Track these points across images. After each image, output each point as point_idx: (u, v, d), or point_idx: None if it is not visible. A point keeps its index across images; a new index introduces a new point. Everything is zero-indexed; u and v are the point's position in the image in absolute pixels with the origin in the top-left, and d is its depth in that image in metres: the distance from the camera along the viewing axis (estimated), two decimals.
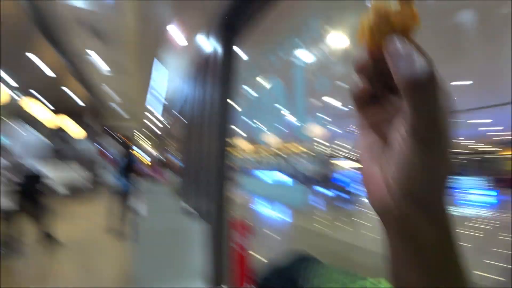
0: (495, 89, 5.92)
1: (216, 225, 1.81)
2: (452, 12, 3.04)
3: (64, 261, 2.96)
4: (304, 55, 1.08)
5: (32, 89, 6.55)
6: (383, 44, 0.20)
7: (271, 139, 1.60)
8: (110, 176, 4.02)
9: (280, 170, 7.53)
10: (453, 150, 0.18)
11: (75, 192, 6.86)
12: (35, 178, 3.06)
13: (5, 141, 2.97)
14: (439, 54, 4.31)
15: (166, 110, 8.13)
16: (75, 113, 8.27)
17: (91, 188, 7.70)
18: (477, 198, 8.51)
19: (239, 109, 1.83)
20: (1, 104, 3.62)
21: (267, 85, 1.37)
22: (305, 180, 7.16)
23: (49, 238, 3.14)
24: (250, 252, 0.79)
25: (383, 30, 0.20)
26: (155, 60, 3.69)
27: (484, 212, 6.62)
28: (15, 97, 7.42)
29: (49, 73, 5.45)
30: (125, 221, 3.79)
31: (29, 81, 6.11)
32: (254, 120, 1.45)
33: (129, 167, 3.94)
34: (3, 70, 5.40)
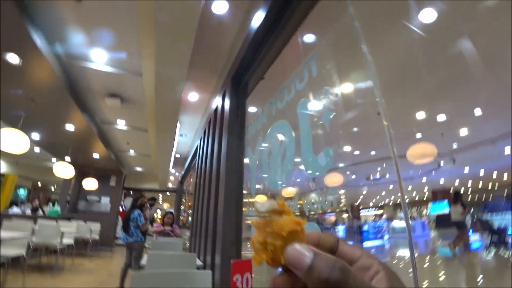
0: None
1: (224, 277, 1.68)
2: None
3: None
4: (310, 104, 1.11)
5: (63, 153, 7.03)
6: (281, 257, 0.21)
7: (287, 191, 1.55)
8: (122, 233, 4.02)
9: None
10: None
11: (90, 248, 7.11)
12: None
13: None
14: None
15: (181, 167, 8.33)
16: (100, 176, 8.71)
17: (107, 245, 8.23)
18: None
19: (251, 163, 1.83)
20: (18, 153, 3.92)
21: (276, 137, 1.39)
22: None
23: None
24: None
25: (275, 244, 0.21)
26: (172, 120, 3.90)
27: None
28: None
29: (79, 139, 5.86)
30: (127, 275, 3.87)
31: (61, 146, 6.60)
32: (267, 173, 1.44)
33: (140, 223, 4.00)
34: (39, 135, 5.90)
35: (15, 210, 7.24)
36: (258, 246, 0.21)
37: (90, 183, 7.93)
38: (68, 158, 7.29)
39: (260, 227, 0.22)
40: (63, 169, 6.21)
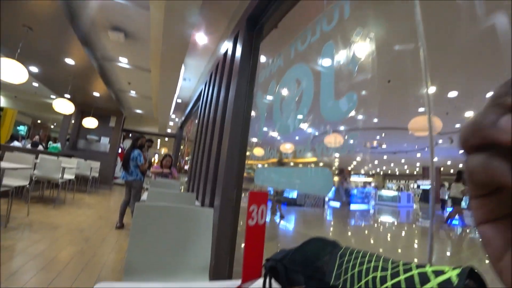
0: None
1: (226, 220, 1.76)
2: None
3: (65, 245, 3.05)
4: (337, 47, 1.03)
5: (63, 90, 6.88)
6: None
7: (285, 147, 1.54)
8: (122, 171, 4.12)
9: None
10: None
11: (89, 184, 7.45)
12: None
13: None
14: None
15: (182, 113, 8.28)
16: (100, 116, 8.66)
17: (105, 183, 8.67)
18: None
19: (261, 107, 1.80)
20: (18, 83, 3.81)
21: (293, 80, 1.33)
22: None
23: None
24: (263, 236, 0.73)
25: None
26: (177, 61, 3.75)
27: None
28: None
29: (79, 75, 5.69)
30: (126, 212, 4.10)
31: (60, 82, 6.44)
32: (278, 118, 1.40)
33: (139, 162, 4.09)
34: (37, 68, 5.70)
35: (16, 144, 7.30)
36: None
37: (90, 122, 7.92)
38: (67, 96, 7.16)
39: None
40: (63, 105, 6.12)
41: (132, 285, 0.79)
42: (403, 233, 6.98)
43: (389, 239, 5.88)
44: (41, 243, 2.96)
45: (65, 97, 6.48)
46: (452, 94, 5.49)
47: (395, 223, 9.24)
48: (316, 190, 0.99)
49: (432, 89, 5.25)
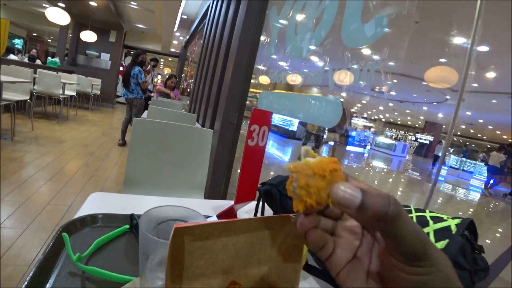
0: None
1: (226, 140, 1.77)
2: None
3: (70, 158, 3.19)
4: None
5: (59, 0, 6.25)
6: (325, 199, 0.21)
7: (292, 78, 1.43)
8: (123, 89, 4.01)
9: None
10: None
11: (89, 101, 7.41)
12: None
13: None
14: None
15: (187, 31, 7.74)
16: (99, 29, 8.09)
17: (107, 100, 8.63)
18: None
19: (274, 25, 1.63)
20: None
21: (300, 15, 1.15)
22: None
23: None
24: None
25: (318, 186, 0.21)
26: None
27: None
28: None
29: None
30: (127, 129, 4.15)
31: None
32: (291, 39, 1.26)
33: (140, 80, 3.95)
34: None
35: (12, 57, 6.93)
36: (300, 191, 0.21)
37: (88, 35, 7.39)
38: (61, 4, 6.51)
39: (299, 171, 0.22)
40: (57, 14, 5.56)
41: (125, 197, 0.80)
42: (390, 180, 7.28)
43: (376, 182, 6.16)
44: (47, 156, 3.06)
45: (58, 6, 5.88)
46: (483, 48, 4.86)
47: (385, 170, 9.59)
48: (322, 121, 0.94)
49: (459, 39, 4.66)
